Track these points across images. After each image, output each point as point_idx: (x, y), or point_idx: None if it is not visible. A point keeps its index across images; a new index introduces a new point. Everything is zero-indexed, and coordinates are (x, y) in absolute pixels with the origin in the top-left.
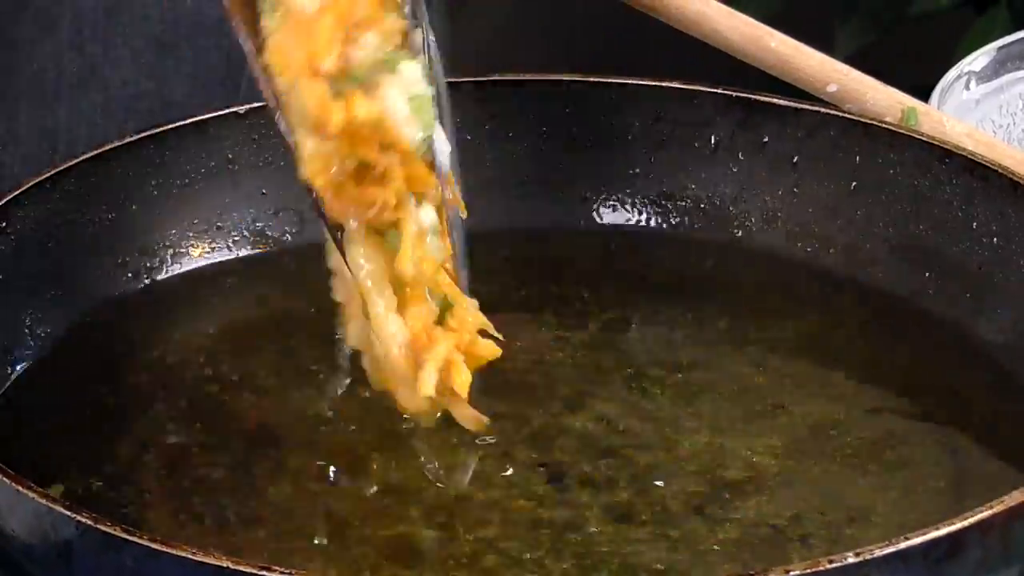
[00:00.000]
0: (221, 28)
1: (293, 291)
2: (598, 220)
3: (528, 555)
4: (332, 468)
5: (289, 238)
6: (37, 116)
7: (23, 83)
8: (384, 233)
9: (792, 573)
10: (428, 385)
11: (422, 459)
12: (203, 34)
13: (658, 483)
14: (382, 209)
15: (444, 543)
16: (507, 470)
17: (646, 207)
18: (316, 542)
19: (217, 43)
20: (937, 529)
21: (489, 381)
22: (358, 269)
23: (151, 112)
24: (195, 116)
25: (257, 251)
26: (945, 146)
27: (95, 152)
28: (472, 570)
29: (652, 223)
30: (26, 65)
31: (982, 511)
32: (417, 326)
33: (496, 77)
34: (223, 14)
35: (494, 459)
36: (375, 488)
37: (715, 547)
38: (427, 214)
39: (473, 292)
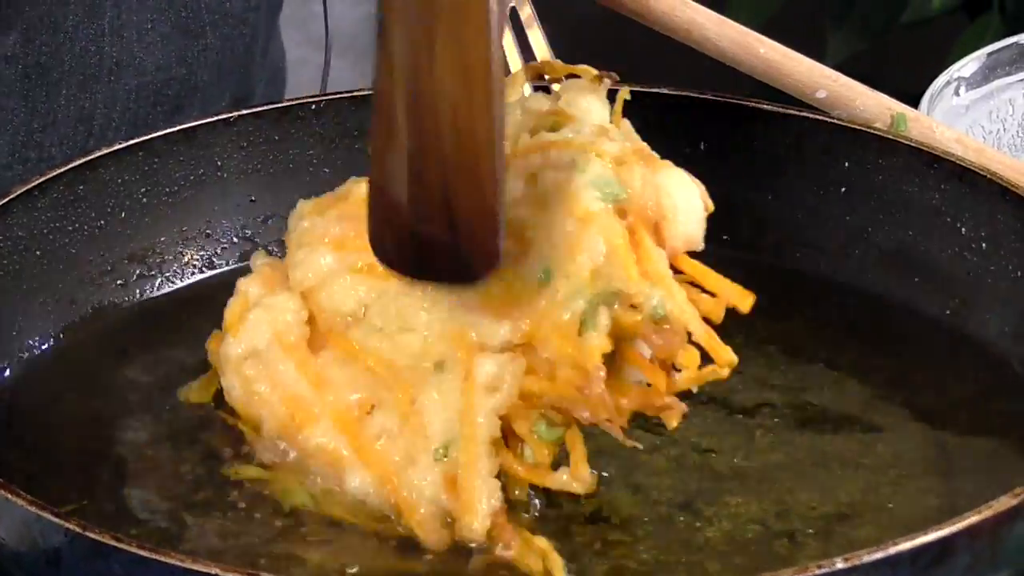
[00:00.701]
0: (242, 18)
1: None
2: None
3: None
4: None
5: (278, 246)
6: (77, 99)
7: (66, 67)
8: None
9: None
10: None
11: None
12: (226, 23)
13: (646, 480)
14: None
15: None
16: None
17: None
18: None
19: (239, 31)
20: (926, 534)
21: None
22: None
23: (179, 97)
24: (217, 103)
25: (246, 259)
26: (934, 152)
27: (83, 160)
28: None
29: None
30: (69, 49)
31: (971, 516)
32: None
33: None
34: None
35: None
36: None
37: (703, 544)
38: None
39: None
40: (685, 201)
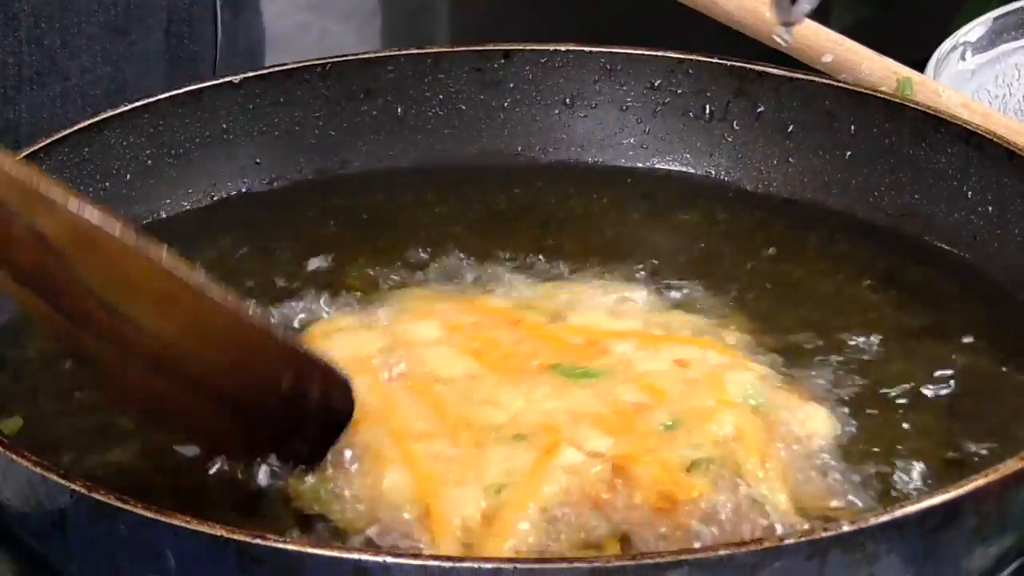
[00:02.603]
0: (164, 7)
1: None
2: (593, 189)
3: None
4: None
5: (284, 207)
6: (1, 112)
7: None
8: None
9: (788, 541)
10: None
11: None
12: (150, 15)
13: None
14: None
15: None
16: None
17: (640, 176)
18: None
19: (160, 23)
20: (932, 497)
21: None
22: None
23: (107, 96)
24: (150, 96)
25: (252, 220)
26: (940, 116)
27: (89, 122)
28: None
29: (645, 192)
30: None
31: (978, 479)
32: None
33: (491, 47)
34: None
35: None
36: None
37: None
38: None
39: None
40: (818, 427)
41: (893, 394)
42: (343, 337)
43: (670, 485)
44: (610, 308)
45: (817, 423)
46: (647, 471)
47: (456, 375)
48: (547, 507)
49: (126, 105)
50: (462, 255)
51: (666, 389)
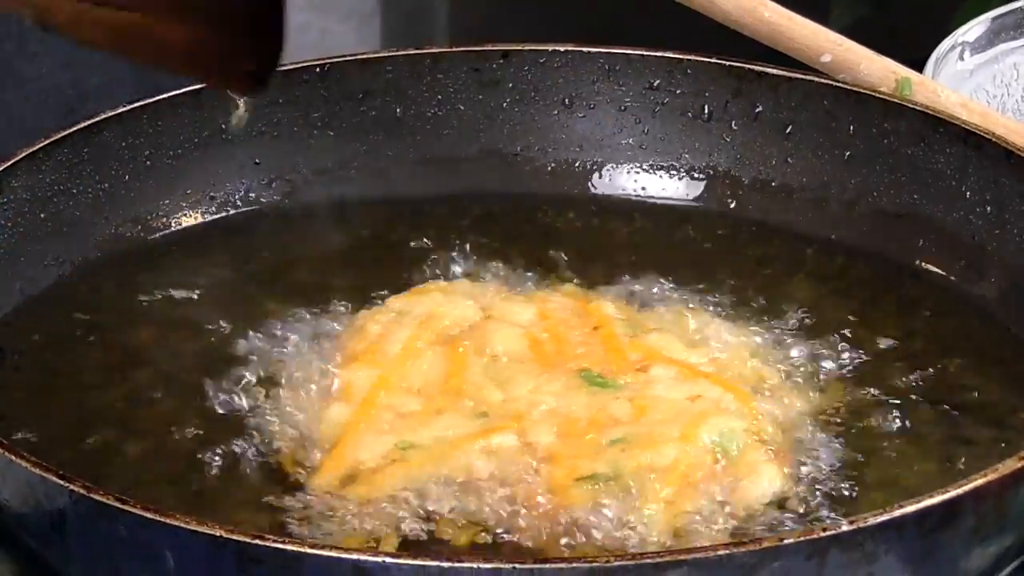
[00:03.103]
0: None
1: (286, 258)
2: (592, 190)
3: None
4: None
5: (283, 207)
6: None
7: None
8: None
9: (787, 541)
10: None
11: None
12: None
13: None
14: None
15: None
16: None
17: (639, 176)
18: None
19: None
20: (931, 497)
21: None
22: None
23: (67, 103)
24: (114, 105)
25: (250, 220)
26: (939, 116)
27: (87, 123)
28: None
29: (645, 192)
30: None
31: (976, 479)
32: None
33: (490, 47)
34: None
35: None
36: None
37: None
38: None
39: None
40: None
41: (887, 401)
42: (438, 296)
43: (551, 489)
44: (690, 338)
45: (759, 486)
46: (549, 471)
47: (499, 353)
48: (445, 479)
49: (125, 106)
50: (463, 256)
51: (649, 413)
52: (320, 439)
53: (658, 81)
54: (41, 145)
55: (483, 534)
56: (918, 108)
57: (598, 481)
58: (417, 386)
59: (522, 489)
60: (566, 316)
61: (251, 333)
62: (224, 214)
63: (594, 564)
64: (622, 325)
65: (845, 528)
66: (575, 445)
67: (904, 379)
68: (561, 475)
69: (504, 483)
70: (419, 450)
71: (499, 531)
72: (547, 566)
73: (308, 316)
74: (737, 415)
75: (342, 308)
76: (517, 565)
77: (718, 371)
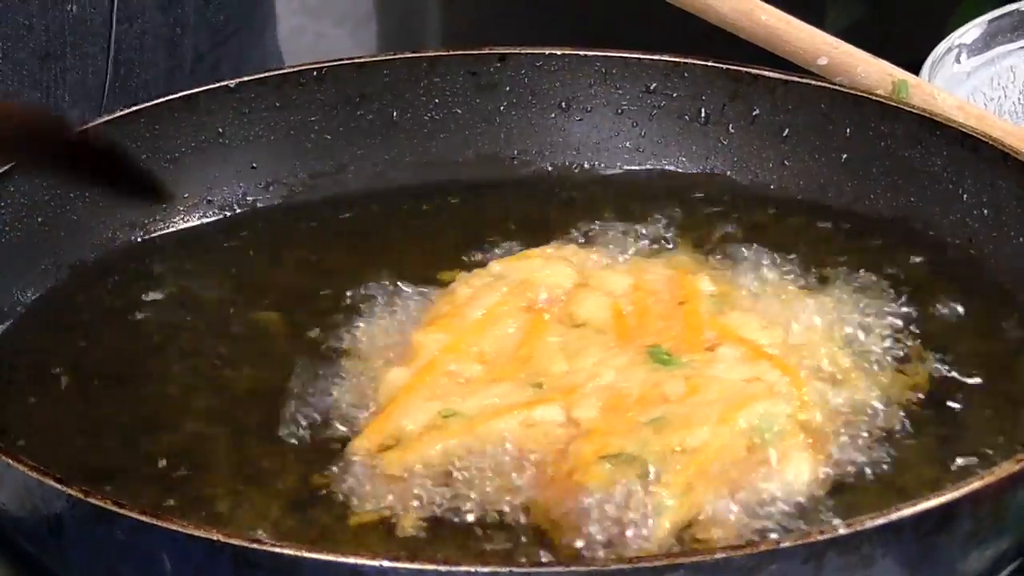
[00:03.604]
0: (106, 33)
1: (284, 262)
2: (590, 191)
3: None
4: None
5: (280, 211)
6: None
7: None
8: None
9: (784, 544)
10: None
11: None
12: (87, 41)
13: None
14: None
15: None
16: None
17: (637, 178)
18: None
19: (103, 47)
20: (928, 500)
21: None
22: None
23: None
24: (85, 122)
25: (247, 224)
26: (936, 118)
27: (85, 127)
28: None
29: (640, 194)
30: None
31: (973, 482)
32: None
33: (487, 51)
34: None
35: None
36: None
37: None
38: None
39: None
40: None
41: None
42: (538, 262)
43: (575, 467)
44: (774, 319)
45: (791, 473)
46: (578, 447)
47: (580, 323)
48: (479, 450)
49: (122, 110)
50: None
51: (700, 393)
52: (375, 403)
53: (655, 84)
54: None
55: (494, 514)
56: (915, 111)
57: (621, 461)
58: (487, 353)
59: (549, 465)
60: (659, 288)
61: (251, 333)
62: (221, 217)
63: (591, 568)
64: (710, 301)
65: (842, 531)
66: (614, 421)
67: (894, 383)
68: (589, 451)
69: (533, 458)
70: (460, 418)
71: (515, 509)
72: (545, 570)
73: (308, 318)
74: (784, 399)
75: (340, 315)
76: (514, 569)
77: (787, 354)
